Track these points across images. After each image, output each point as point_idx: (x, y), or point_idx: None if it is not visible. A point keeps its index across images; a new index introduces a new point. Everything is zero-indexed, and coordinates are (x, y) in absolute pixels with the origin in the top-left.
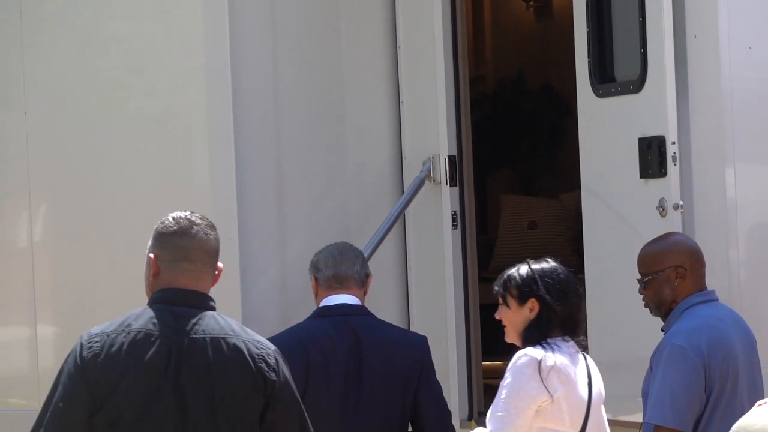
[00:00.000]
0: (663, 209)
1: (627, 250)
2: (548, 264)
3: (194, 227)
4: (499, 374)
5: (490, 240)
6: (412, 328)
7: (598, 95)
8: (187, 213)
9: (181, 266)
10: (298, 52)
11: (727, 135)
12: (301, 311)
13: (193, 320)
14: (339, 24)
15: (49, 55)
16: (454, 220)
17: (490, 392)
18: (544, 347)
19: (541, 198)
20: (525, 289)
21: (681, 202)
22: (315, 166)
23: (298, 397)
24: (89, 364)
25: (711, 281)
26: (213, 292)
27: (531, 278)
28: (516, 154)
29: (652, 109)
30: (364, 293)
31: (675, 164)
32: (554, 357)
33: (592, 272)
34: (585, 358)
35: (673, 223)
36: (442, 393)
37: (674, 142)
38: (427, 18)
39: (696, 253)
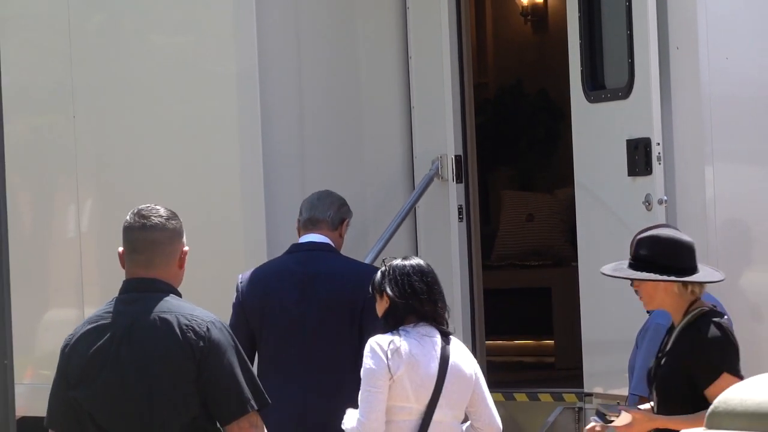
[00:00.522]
0: (649, 204)
1: (616, 240)
2: (402, 261)
3: (142, 220)
4: (502, 352)
5: (492, 231)
6: None
7: (590, 101)
8: (144, 206)
9: (132, 258)
10: (320, 62)
11: (707, 137)
12: None
13: (140, 304)
14: (357, 37)
15: (95, 64)
16: (460, 213)
17: (493, 368)
18: (392, 333)
19: (538, 193)
20: (378, 286)
21: (665, 198)
22: (335, 166)
23: (233, 358)
24: (61, 355)
25: None
26: None
27: (382, 276)
28: (515, 153)
29: (639, 113)
30: (339, 235)
31: (659, 163)
32: (398, 341)
33: (584, 260)
34: (443, 342)
35: (657, 217)
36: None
37: (659, 144)
38: (435, 31)
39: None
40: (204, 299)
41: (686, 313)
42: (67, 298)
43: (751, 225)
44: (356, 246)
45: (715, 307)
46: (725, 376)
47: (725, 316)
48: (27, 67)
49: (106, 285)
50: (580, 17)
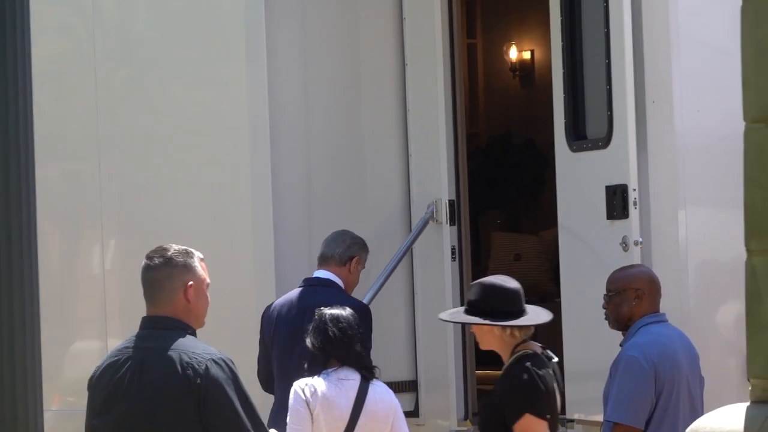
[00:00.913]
0: (625, 245)
1: (596, 278)
2: (324, 311)
3: (149, 262)
4: (491, 381)
5: (483, 270)
6: (418, 344)
7: (572, 150)
8: (154, 248)
9: (146, 298)
10: (326, 113)
11: (680, 183)
12: None
13: (151, 341)
14: (360, 90)
15: (119, 115)
16: (453, 253)
17: (482, 396)
18: (314, 377)
19: (525, 234)
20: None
21: (640, 239)
22: (340, 209)
23: (232, 393)
24: (88, 385)
25: (665, 305)
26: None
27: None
28: (504, 198)
29: (617, 162)
30: (349, 271)
31: (635, 208)
32: (316, 383)
33: (567, 297)
34: (363, 384)
35: (633, 257)
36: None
37: (635, 190)
38: (431, 85)
39: (654, 282)
40: (217, 336)
41: (511, 355)
42: (92, 330)
43: (721, 265)
44: (359, 282)
45: (545, 349)
46: (527, 417)
47: (553, 359)
48: (57, 118)
49: (127, 318)
50: (564, 73)
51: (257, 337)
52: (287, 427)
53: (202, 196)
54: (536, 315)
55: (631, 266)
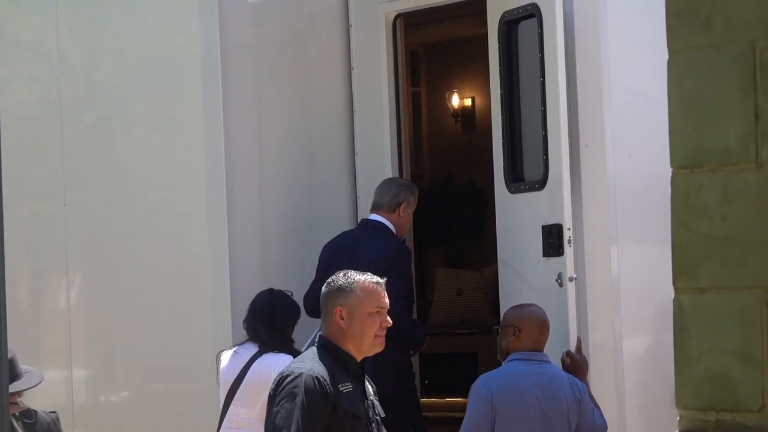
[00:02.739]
0: (560, 281)
1: None
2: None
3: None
4: (436, 408)
5: (427, 303)
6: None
7: (511, 191)
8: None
9: None
10: (279, 157)
11: (612, 221)
12: None
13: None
14: (311, 139)
15: (84, 158)
16: None
17: (429, 422)
18: (232, 348)
19: (467, 270)
20: None
21: (575, 276)
22: (292, 247)
23: (284, 404)
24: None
25: (598, 337)
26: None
27: None
28: (447, 236)
29: (552, 202)
30: (399, 216)
31: (570, 246)
32: (224, 355)
33: None
34: (254, 357)
35: (568, 292)
36: (397, 282)
37: (569, 229)
38: (378, 131)
39: (535, 322)
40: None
41: None
42: (57, 361)
43: (651, 299)
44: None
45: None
46: None
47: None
48: (24, 160)
49: (91, 350)
50: (503, 119)
51: (213, 374)
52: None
53: (162, 234)
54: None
55: (523, 305)
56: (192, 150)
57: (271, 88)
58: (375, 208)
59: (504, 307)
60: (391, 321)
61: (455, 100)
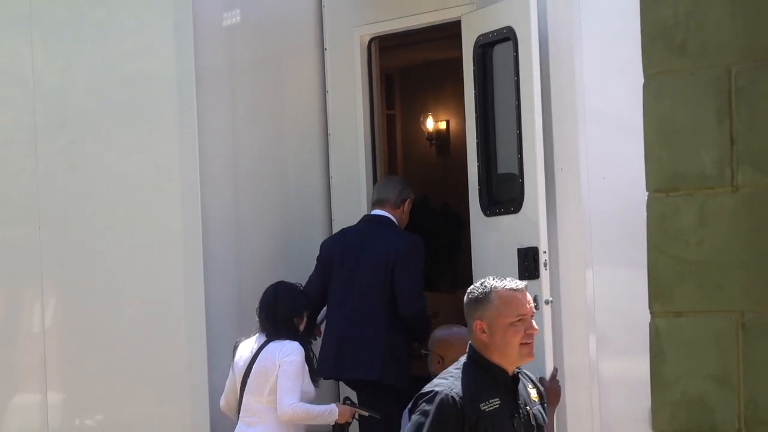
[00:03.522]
0: (536, 304)
1: None
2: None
3: None
4: None
5: None
6: (341, 390)
7: (486, 214)
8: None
9: None
10: (253, 181)
11: (587, 245)
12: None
13: None
14: (287, 162)
15: (58, 181)
16: None
17: None
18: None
19: (442, 293)
20: None
21: (550, 298)
22: (267, 271)
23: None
24: None
25: (573, 360)
26: None
27: None
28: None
29: (528, 225)
30: (402, 211)
31: (545, 269)
32: (240, 345)
33: None
34: (263, 345)
35: (544, 315)
36: (415, 277)
37: (545, 252)
38: (353, 155)
39: (454, 346)
40: (147, 387)
41: None
42: (32, 384)
43: (626, 322)
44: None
45: None
46: None
47: None
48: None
49: (66, 373)
50: (477, 142)
51: (187, 382)
52: None
53: (137, 257)
54: None
55: (447, 328)
56: (167, 173)
57: (246, 112)
58: (380, 204)
59: None
60: (536, 327)
61: (430, 123)
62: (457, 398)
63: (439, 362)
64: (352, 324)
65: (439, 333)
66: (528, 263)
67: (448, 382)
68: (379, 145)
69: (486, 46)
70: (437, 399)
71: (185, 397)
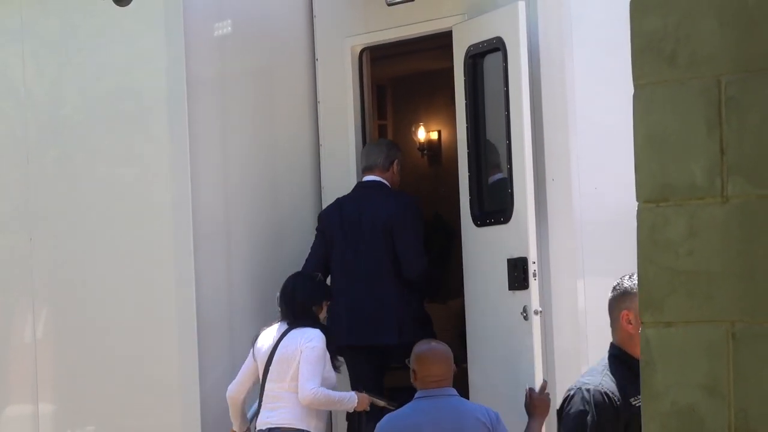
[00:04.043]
0: (526, 314)
1: (500, 345)
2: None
3: None
4: None
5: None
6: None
7: (477, 225)
8: None
9: None
10: (245, 191)
11: (578, 255)
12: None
13: None
14: (277, 173)
15: (50, 193)
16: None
17: None
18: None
19: (434, 303)
20: None
21: (540, 309)
22: (258, 281)
23: None
24: None
25: (564, 370)
26: None
27: None
28: None
29: (518, 236)
30: (393, 173)
31: (535, 279)
32: (261, 334)
33: (473, 362)
34: (285, 333)
35: (533, 326)
36: (412, 239)
37: (534, 262)
38: (344, 164)
39: (425, 361)
40: (138, 406)
41: None
42: (24, 396)
43: None
44: None
45: None
46: None
47: None
48: None
49: (58, 385)
50: (468, 153)
51: (178, 393)
52: None
53: (129, 268)
54: None
55: (421, 343)
56: (158, 184)
57: (237, 122)
58: (369, 170)
59: (471, 340)
60: None
61: (421, 134)
62: (610, 393)
63: (414, 377)
64: (363, 291)
65: (417, 347)
66: (517, 273)
67: (595, 379)
68: None
69: (476, 57)
70: (590, 396)
71: (176, 407)
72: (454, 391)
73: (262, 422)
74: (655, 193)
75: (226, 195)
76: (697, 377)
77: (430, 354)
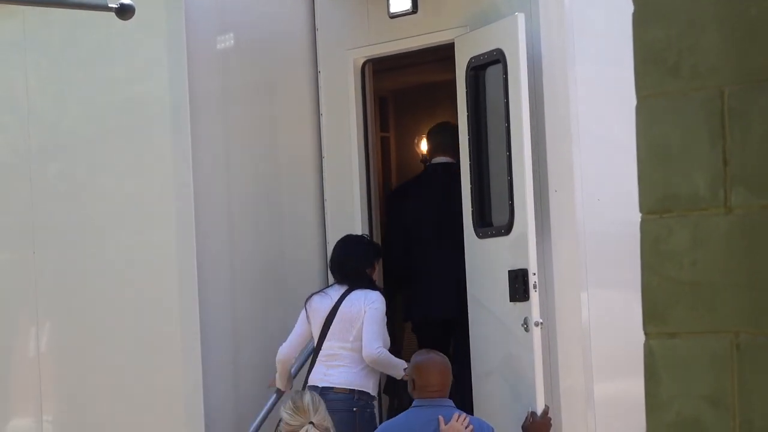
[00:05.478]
0: (527, 326)
1: (502, 356)
2: None
3: None
4: None
5: (398, 349)
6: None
7: (479, 236)
8: None
9: None
10: (248, 203)
11: (582, 267)
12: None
13: None
14: (280, 184)
15: (52, 206)
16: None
17: None
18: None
19: None
20: None
21: (541, 320)
22: (261, 291)
23: None
24: None
25: (569, 382)
26: None
27: None
28: None
29: (518, 247)
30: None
31: (535, 291)
32: (314, 296)
33: (476, 373)
34: (345, 295)
35: (533, 337)
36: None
37: (534, 274)
38: (347, 176)
39: (423, 371)
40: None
41: None
42: (28, 409)
43: (621, 342)
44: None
45: None
46: None
47: None
48: None
49: (61, 398)
50: (470, 165)
51: (182, 405)
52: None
53: (132, 281)
54: None
55: (420, 353)
56: (161, 198)
57: (240, 135)
58: (442, 151)
59: (474, 352)
60: None
61: (424, 146)
62: None
63: (412, 386)
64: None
65: (415, 357)
66: (518, 285)
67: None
68: (373, 167)
69: (478, 69)
70: None
71: (180, 419)
72: (451, 402)
73: (318, 378)
74: (658, 204)
75: (229, 207)
76: (701, 388)
77: (429, 364)
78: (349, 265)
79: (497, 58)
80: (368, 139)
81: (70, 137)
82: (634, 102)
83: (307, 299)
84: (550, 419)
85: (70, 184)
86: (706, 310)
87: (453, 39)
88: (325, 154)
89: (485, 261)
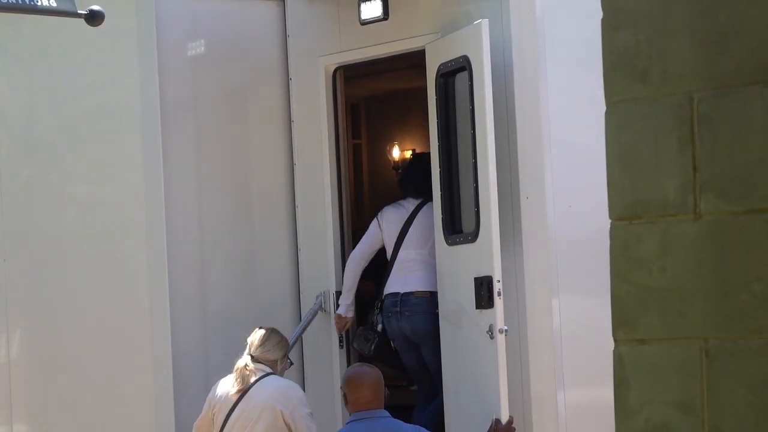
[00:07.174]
0: (491, 333)
1: (471, 363)
2: None
3: None
4: None
5: (369, 357)
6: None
7: (449, 243)
8: None
9: None
10: (218, 211)
11: (553, 273)
12: None
13: None
14: (250, 190)
15: (23, 213)
16: (340, 341)
17: None
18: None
19: None
20: None
21: (505, 328)
22: (232, 302)
23: None
24: None
25: (539, 388)
26: None
27: None
28: None
29: (484, 254)
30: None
31: (500, 298)
32: (388, 206)
33: (447, 379)
34: (417, 206)
35: (498, 344)
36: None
37: (499, 281)
38: (319, 183)
39: (353, 384)
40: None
41: None
42: None
43: (591, 349)
44: None
45: None
46: None
47: None
48: None
49: (32, 406)
50: (440, 172)
51: (153, 415)
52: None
53: (103, 288)
54: None
55: (352, 367)
56: (132, 204)
57: (211, 142)
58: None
59: (445, 359)
60: None
61: (396, 152)
62: None
63: (346, 401)
64: None
65: (347, 372)
66: (483, 292)
67: None
68: (345, 174)
69: (447, 75)
70: None
71: (151, 426)
72: (387, 413)
73: (399, 285)
74: (628, 210)
75: (200, 214)
76: (670, 394)
77: (360, 377)
78: (419, 180)
79: (463, 65)
80: (339, 145)
81: (40, 144)
82: (603, 109)
83: (380, 211)
84: (515, 429)
85: (40, 190)
86: (675, 316)
87: (424, 46)
88: (296, 160)
89: (454, 268)
